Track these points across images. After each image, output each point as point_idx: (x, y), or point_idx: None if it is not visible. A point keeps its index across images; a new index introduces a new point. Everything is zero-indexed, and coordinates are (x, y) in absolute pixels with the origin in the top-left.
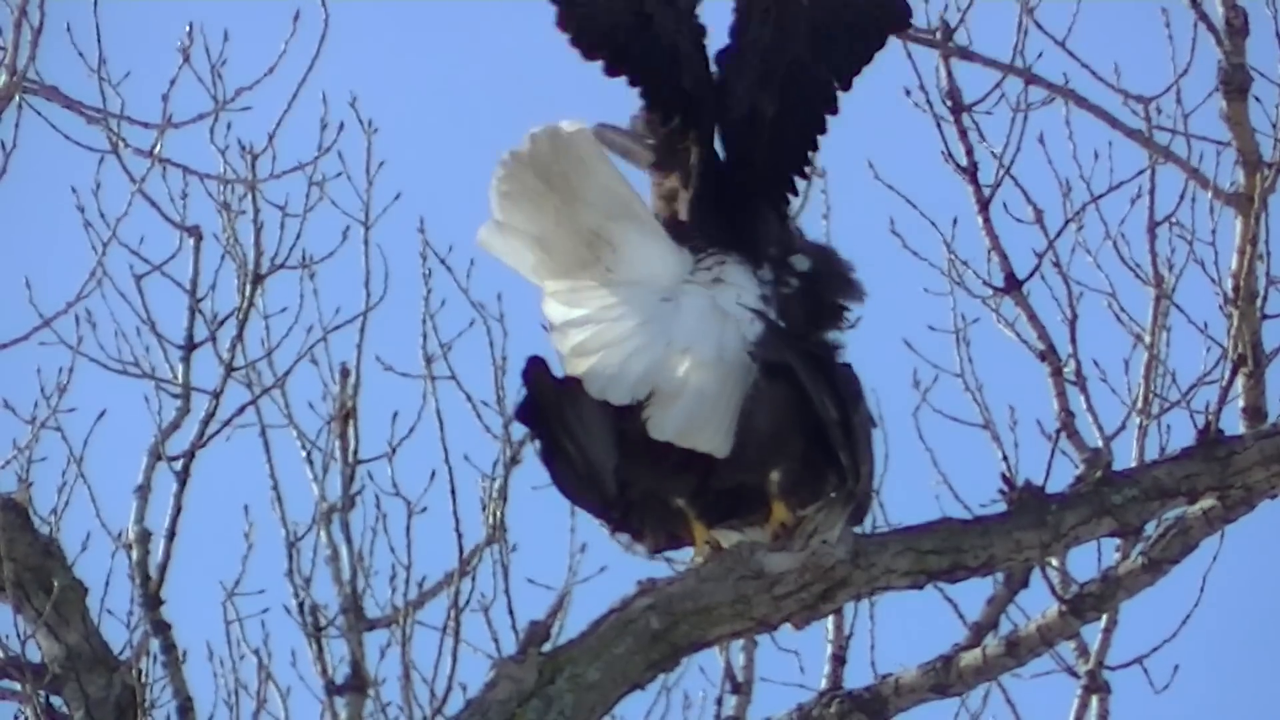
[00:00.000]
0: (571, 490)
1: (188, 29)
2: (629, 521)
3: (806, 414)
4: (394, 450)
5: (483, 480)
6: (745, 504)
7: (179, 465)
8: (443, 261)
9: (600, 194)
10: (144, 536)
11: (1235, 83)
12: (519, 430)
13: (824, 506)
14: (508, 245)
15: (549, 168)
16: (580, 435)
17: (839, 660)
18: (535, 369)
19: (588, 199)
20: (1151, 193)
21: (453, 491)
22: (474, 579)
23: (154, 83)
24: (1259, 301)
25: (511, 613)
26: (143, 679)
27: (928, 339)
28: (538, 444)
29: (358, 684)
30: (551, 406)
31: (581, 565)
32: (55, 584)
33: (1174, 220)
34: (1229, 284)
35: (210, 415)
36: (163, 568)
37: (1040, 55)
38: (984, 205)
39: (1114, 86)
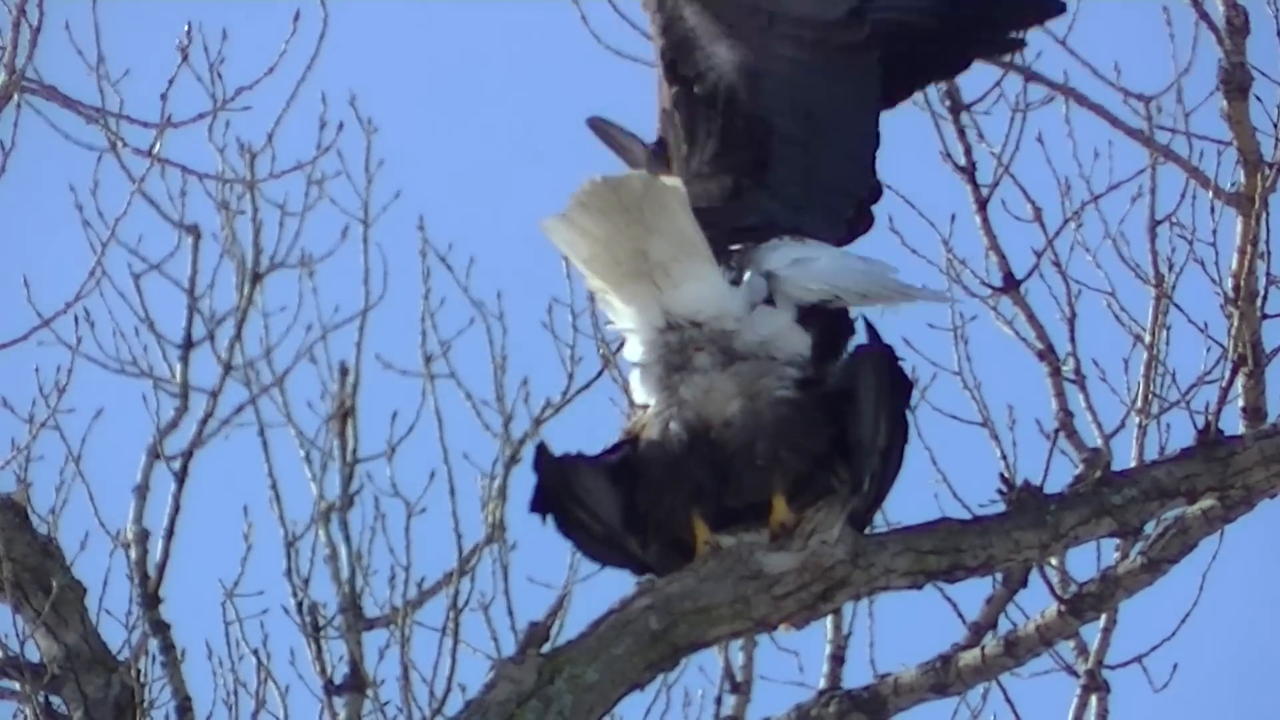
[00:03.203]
0: (596, 554)
1: (187, 29)
2: (648, 561)
3: (843, 427)
4: (393, 449)
5: (482, 479)
6: (752, 512)
7: (177, 464)
8: (442, 260)
9: (675, 237)
10: (142, 536)
11: (1236, 82)
12: (518, 428)
13: (823, 506)
14: (568, 237)
15: (636, 200)
16: (590, 502)
17: (838, 660)
18: (540, 455)
19: (662, 235)
20: (1152, 192)
21: (452, 491)
22: (473, 579)
23: (153, 82)
24: (1259, 301)
25: (511, 612)
26: (141, 679)
27: (926, 337)
28: (555, 523)
29: (357, 684)
30: (560, 485)
31: (581, 564)
32: (54, 584)
33: (1174, 219)
34: (1229, 284)
35: (209, 414)
36: (161, 567)
37: (1040, 54)
38: (982, 204)
39: (1114, 85)
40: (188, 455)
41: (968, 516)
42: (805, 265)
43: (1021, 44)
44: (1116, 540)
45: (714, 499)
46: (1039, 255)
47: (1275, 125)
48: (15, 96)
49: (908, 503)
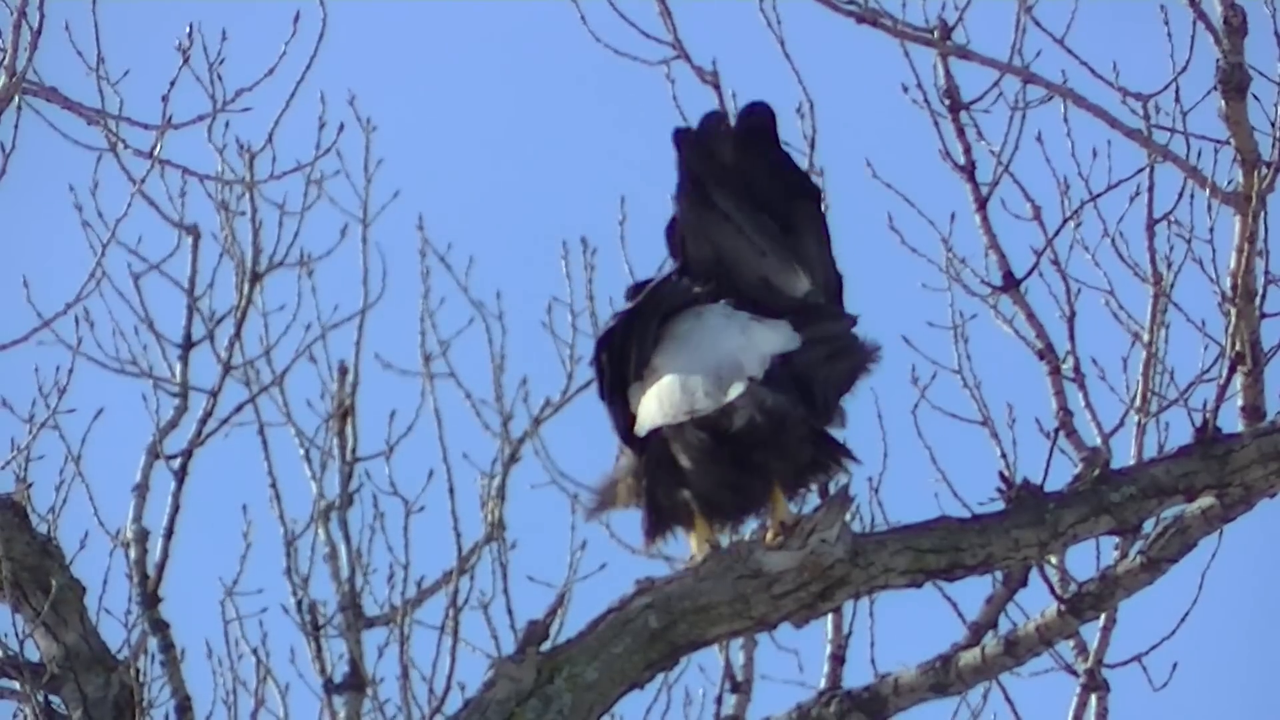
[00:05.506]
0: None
1: (187, 30)
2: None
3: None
4: (392, 448)
5: (481, 478)
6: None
7: (177, 464)
8: (441, 259)
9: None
10: (142, 535)
11: (1233, 81)
12: (517, 427)
13: (823, 505)
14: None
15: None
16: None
17: (838, 659)
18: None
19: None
20: (1150, 191)
21: (451, 490)
22: (472, 577)
23: (153, 82)
24: (1257, 300)
25: (510, 611)
26: (141, 678)
27: (926, 336)
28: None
29: (356, 683)
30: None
31: (581, 563)
32: (53, 583)
33: (1172, 218)
34: (1227, 282)
35: (208, 414)
36: (161, 566)
37: (1039, 53)
38: (982, 203)
39: (1112, 85)
40: (187, 454)
41: (967, 515)
42: None
43: None
44: (1116, 540)
45: (725, 493)
46: (1038, 254)
47: (1272, 124)
48: (16, 98)
49: (907, 501)
